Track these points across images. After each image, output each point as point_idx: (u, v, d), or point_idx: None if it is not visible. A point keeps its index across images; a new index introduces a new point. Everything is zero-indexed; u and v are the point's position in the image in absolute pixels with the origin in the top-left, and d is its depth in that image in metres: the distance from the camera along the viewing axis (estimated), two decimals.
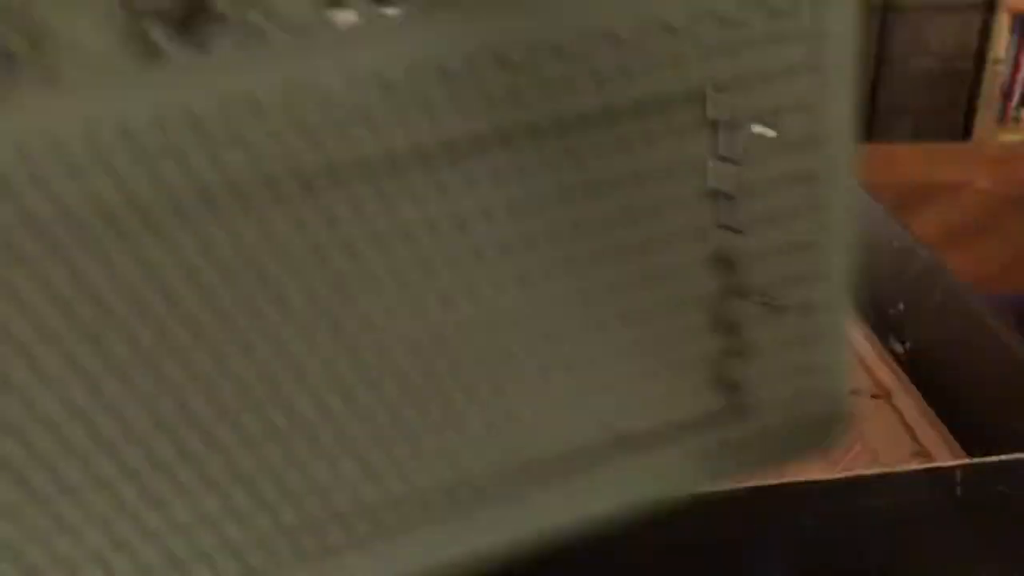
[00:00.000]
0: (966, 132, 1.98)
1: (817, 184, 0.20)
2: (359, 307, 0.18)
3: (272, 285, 0.17)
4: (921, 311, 0.46)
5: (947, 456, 0.39)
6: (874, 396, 0.43)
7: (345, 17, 0.16)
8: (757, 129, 0.19)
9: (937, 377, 0.43)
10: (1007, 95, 1.94)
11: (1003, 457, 0.31)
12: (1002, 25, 1.86)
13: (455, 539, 0.20)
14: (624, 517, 0.23)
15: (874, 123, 1.98)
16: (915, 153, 0.83)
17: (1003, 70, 1.91)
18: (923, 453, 0.40)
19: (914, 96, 1.97)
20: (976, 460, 0.31)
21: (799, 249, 0.20)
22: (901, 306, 0.47)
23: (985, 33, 1.88)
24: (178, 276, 0.16)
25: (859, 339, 0.47)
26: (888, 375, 0.45)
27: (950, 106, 1.98)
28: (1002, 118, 1.97)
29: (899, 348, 0.46)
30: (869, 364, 0.45)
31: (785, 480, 0.30)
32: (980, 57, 1.91)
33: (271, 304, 0.17)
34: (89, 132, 0.15)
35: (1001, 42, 1.87)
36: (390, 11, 0.16)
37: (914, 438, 0.41)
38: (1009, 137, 1.95)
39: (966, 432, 0.40)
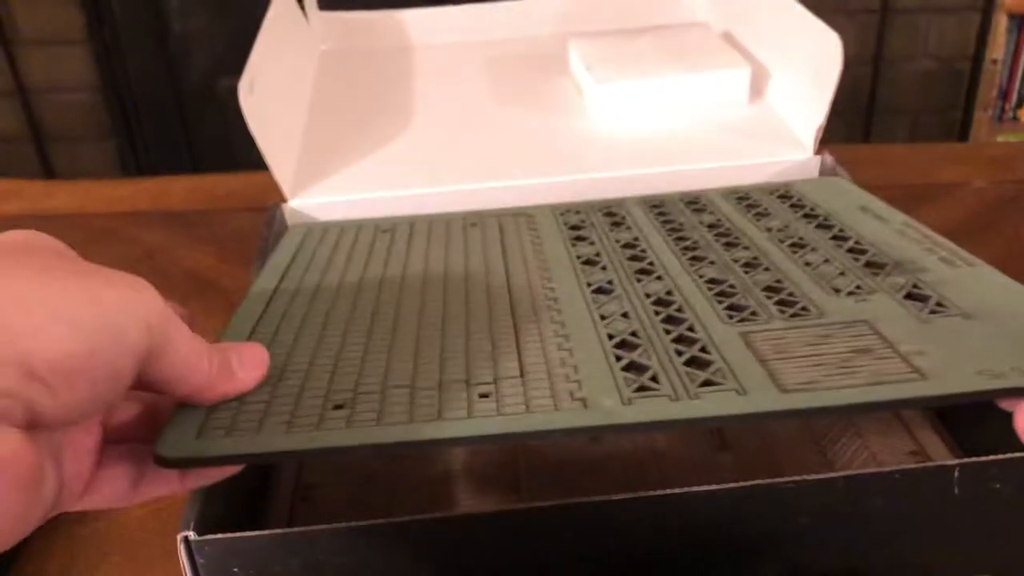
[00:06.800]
0: (964, 132, 1.98)
1: None
2: None
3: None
4: None
5: (944, 455, 0.39)
6: None
7: None
8: None
9: None
10: (1005, 95, 1.95)
11: (1000, 456, 0.31)
12: (999, 26, 1.86)
13: None
14: None
15: (872, 124, 1.98)
16: (913, 153, 0.83)
17: (1001, 70, 1.91)
18: (920, 452, 0.40)
19: (912, 97, 1.97)
20: (973, 459, 0.31)
21: None
22: None
23: (983, 34, 1.88)
24: None
25: None
26: None
27: (948, 106, 1.98)
28: (1000, 118, 1.96)
29: None
30: None
31: (781, 479, 0.30)
32: (978, 58, 1.91)
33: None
34: None
35: (998, 43, 1.87)
36: None
37: (912, 437, 0.41)
38: (1007, 137, 1.95)
39: (964, 431, 0.40)
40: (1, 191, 0.82)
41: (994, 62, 1.88)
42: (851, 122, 1.98)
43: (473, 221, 0.47)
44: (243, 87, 0.48)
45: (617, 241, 0.44)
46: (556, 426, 0.28)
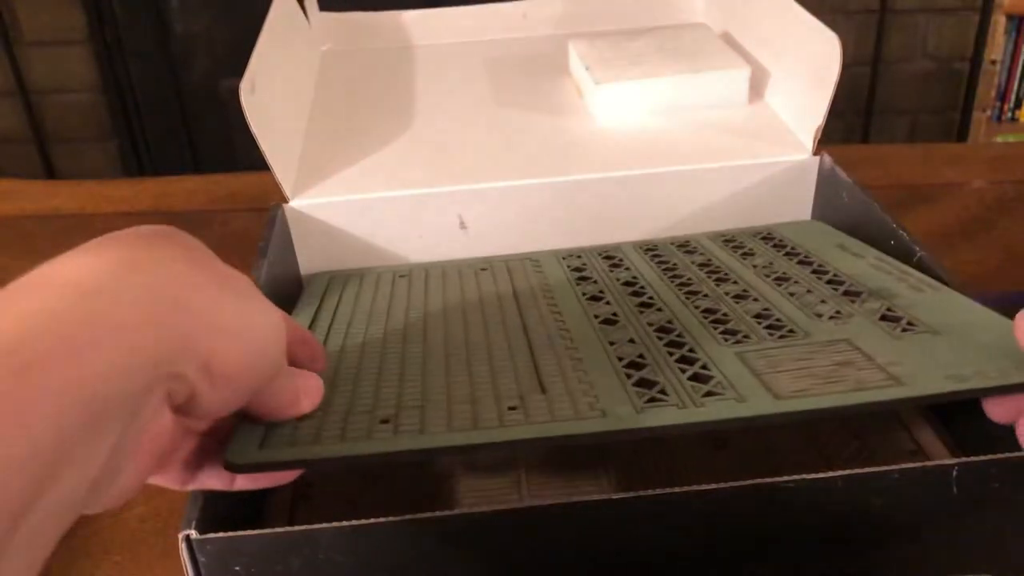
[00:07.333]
0: (962, 133, 1.99)
1: None
2: None
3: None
4: None
5: (944, 455, 0.39)
6: None
7: None
8: None
9: None
10: (1003, 96, 1.95)
11: (1000, 456, 0.31)
12: (998, 27, 1.86)
13: None
14: None
15: (872, 124, 1.99)
16: (912, 153, 0.84)
17: (999, 71, 1.91)
18: (920, 452, 0.40)
19: (911, 97, 1.97)
20: (973, 459, 0.31)
21: None
22: None
23: (981, 34, 1.88)
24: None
25: None
26: None
27: (947, 107, 1.98)
28: (998, 119, 1.97)
29: None
30: None
31: (781, 479, 0.30)
32: (976, 58, 1.91)
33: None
34: None
35: (997, 43, 1.87)
36: None
37: (911, 437, 0.41)
38: (1005, 137, 1.95)
39: (964, 431, 0.40)
40: (2, 191, 0.82)
41: (993, 63, 1.89)
42: (850, 123, 1.98)
43: (483, 266, 0.51)
44: (244, 87, 0.48)
45: (617, 280, 0.47)
46: (582, 431, 0.31)
